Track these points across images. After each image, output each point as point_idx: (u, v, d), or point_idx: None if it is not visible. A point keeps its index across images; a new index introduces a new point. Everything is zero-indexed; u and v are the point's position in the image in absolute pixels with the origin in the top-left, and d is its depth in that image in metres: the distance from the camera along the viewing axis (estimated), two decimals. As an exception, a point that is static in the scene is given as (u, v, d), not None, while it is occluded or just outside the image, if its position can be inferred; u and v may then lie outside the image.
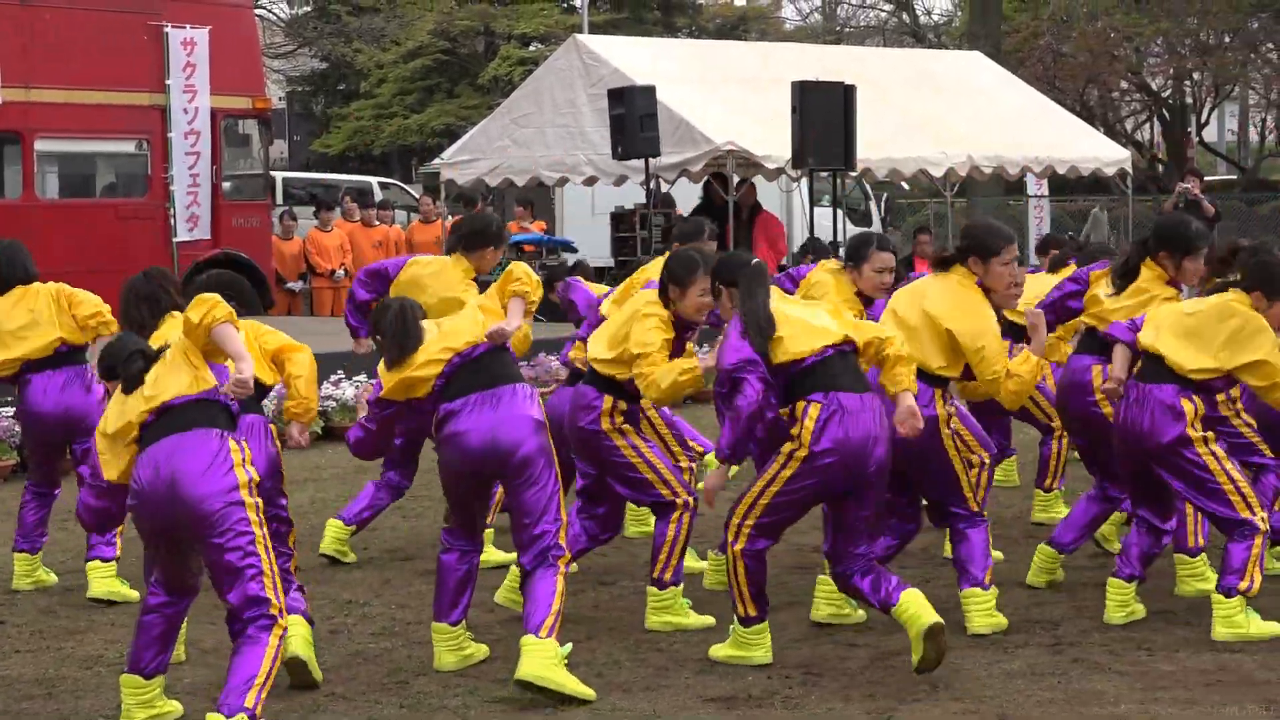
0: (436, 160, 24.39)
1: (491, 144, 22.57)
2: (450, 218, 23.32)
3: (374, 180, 35.24)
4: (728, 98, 21.25)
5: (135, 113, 20.57)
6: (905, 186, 28.60)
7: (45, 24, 19.85)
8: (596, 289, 11.19)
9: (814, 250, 17.56)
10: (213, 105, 20.82)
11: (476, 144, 23.04)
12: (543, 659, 7.60)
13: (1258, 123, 64.29)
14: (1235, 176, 56.09)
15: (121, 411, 6.86)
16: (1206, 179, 50.44)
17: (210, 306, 6.78)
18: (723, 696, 7.59)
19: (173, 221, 20.18)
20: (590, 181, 22.20)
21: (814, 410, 7.59)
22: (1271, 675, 7.78)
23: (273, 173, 26.34)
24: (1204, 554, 9.26)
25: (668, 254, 9.79)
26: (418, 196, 29.08)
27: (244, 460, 6.81)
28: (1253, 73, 53.00)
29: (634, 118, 18.87)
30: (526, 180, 22.57)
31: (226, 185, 21.10)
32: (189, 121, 20.60)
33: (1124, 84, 52.59)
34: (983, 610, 8.45)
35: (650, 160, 19.41)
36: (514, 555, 8.55)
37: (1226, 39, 50.26)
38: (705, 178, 20.90)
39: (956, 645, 8.02)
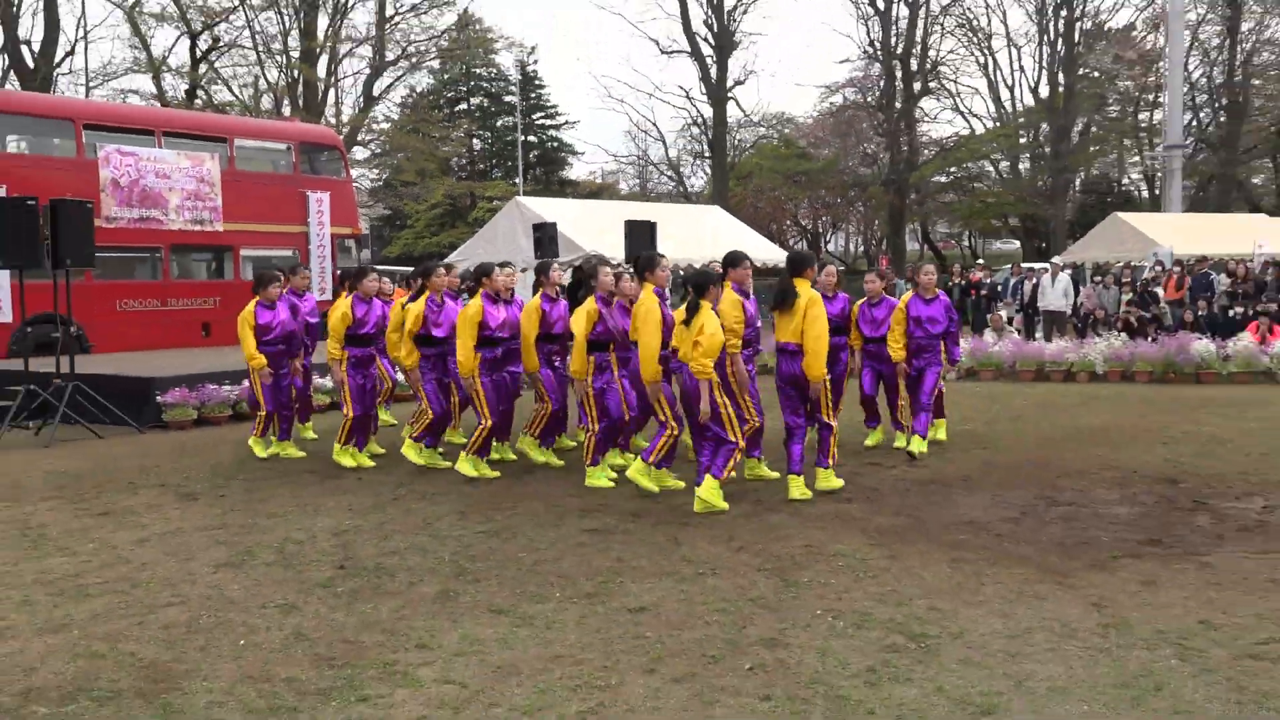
0: (446, 259, 24.21)
1: (473, 251, 22.42)
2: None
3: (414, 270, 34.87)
4: (594, 226, 21.31)
5: (292, 236, 20.37)
6: (682, 272, 28.72)
7: (246, 187, 19.65)
8: None
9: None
10: (331, 232, 20.68)
11: (465, 251, 22.88)
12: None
13: (854, 241, 65.48)
14: (843, 268, 57.01)
15: None
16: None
17: None
18: (592, 528, 7.10)
19: (314, 294, 19.96)
20: (524, 270, 22.23)
21: None
22: (862, 516, 7.60)
23: (362, 266, 26.07)
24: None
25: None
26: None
27: None
28: (851, 216, 53.96)
29: (546, 238, 18.88)
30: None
31: (339, 273, 20.94)
32: (320, 240, 20.43)
33: (788, 221, 53.38)
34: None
35: (554, 258, 19.46)
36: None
37: (839, 200, 51.05)
38: (570, 267, 20.94)
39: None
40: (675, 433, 7.91)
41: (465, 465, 8.82)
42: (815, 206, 52.84)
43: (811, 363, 7.60)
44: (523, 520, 7.43)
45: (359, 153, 45.52)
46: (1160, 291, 20.70)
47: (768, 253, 24.90)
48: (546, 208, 22.18)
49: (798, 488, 7.85)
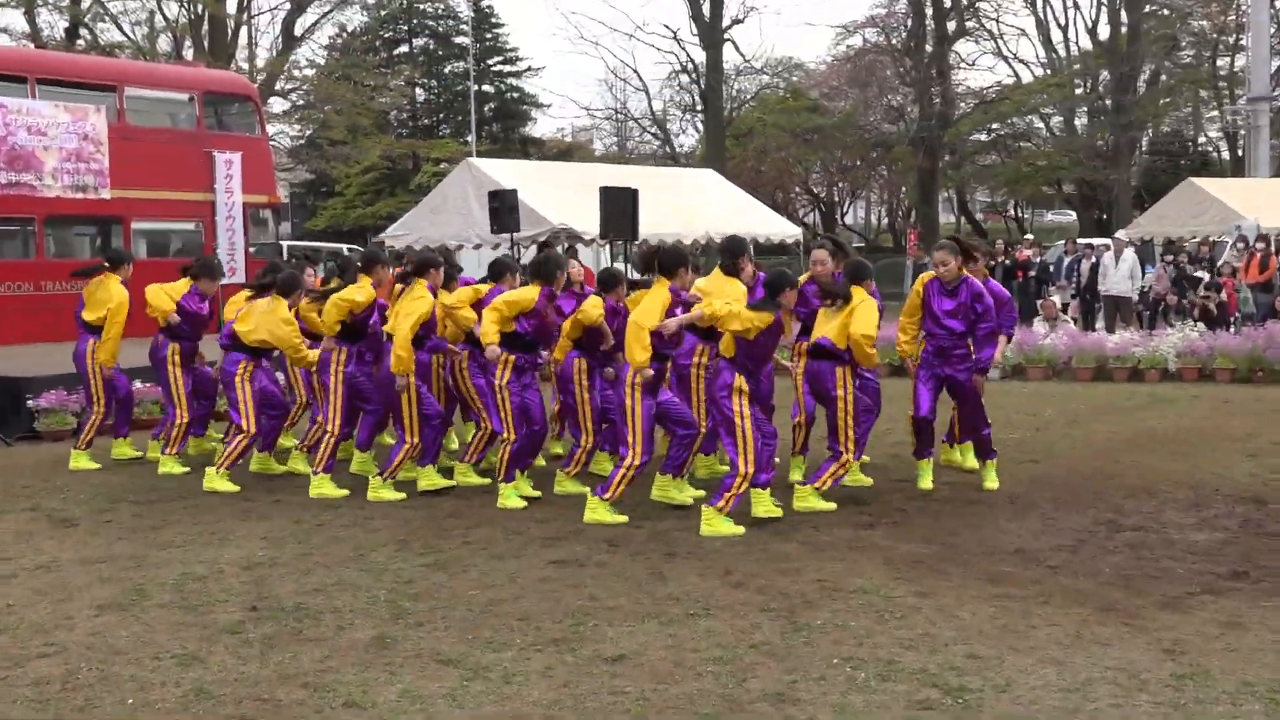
0: (383, 234, 24.19)
1: (416, 223, 22.39)
2: (390, 269, 23.44)
3: (344, 246, 34.85)
4: (562, 196, 21.24)
5: (195, 205, 20.30)
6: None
7: (139, 146, 19.56)
8: None
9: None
10: (243, 200, 20.61)
11: (407, 223, 22.82)
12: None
13: (876, 212, 65.69)
14: (863, 244, 57.26)
15: None
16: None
17: None
18: (559, 560, 7.10)
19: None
20: (477, 247, 22.21)
21: None
22: (887, 543, 7.56)
23: (280, 241, 26.20)
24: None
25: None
26: (372, 256, 29.10)
27: None
28: (873, 182, 54.21)
29: (504, 208, 18.84)
30: (438, 246, 22.51)
31: (252, 249, 20.86)
32: (228, 211, 20.36)
33: (797, 189, 53.54)
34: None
35: (514, 234, 19.43)
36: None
37: (858, 162, 51.24)
38: (533, 243, 20.88)
39: (697, 526, 7.72)
40: (635, 464, 8.07)
41: (508, 496, 8.64)
42: (830, 170, 52.99)
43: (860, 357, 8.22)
44: (475, 550, 7.41)
45: (277, 105, 45.45)
46: (1238, 271, 20.80)
47: (772, 226, 24.96)
48: (505, 171, 22.13)
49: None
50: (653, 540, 7.59)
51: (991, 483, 9.04)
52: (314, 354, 9.64)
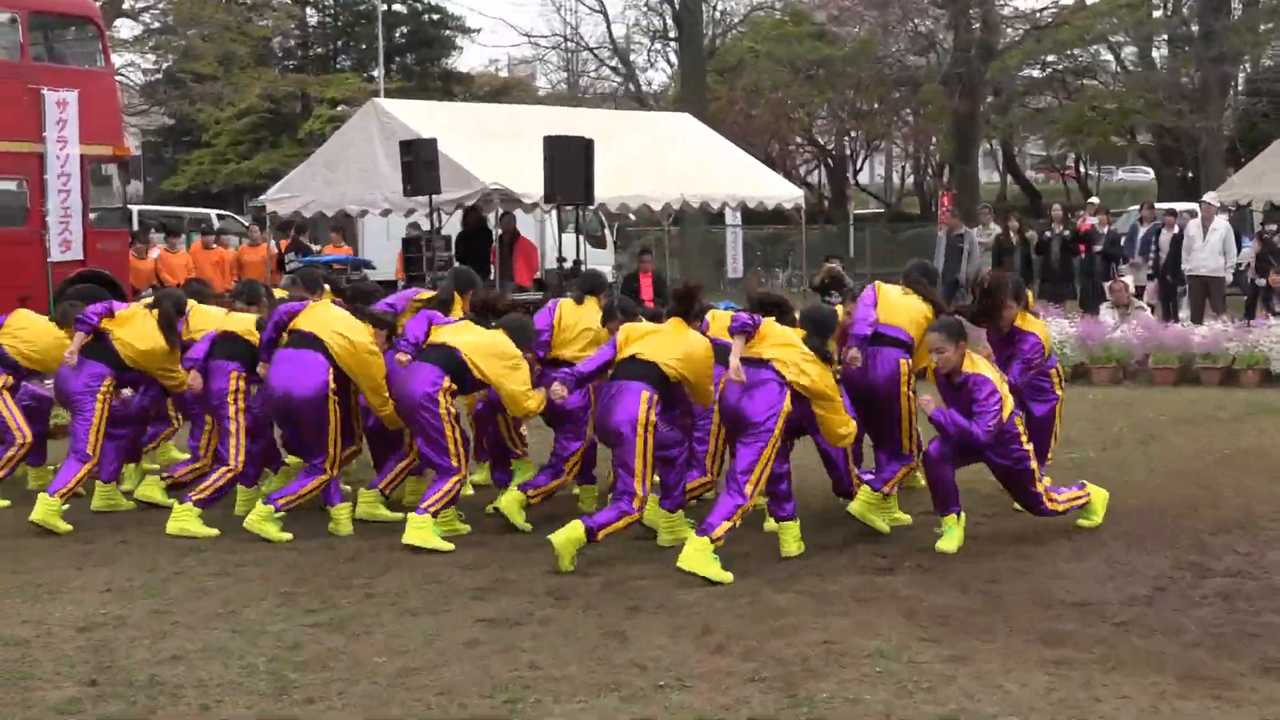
0: (262, 197, 24.07)
1: (306, 184, 22.31)
2: (273, 242, 23.46)
3: (213, 212, 34.70)
4: (494, 148, 21.17)
5: (17, 158, 20.13)
6: (632, 217, 28.74)
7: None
8: None
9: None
10: (81, 152, 20.47)
11: (294, 184, 22.74)
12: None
13: (899, 169, 65.93)
14: (882, 210, 57.41)
15: None
16: (858, 213, 51.63)
17: None
18: (490, 618, 7.07)
19: (48, 245, 19.84)
20: (386, 213, 22.18)
21: None
22: (910, 592, 7.44)
23: (130, 206, 26.01)
24: None
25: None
26: (247, 225, 28.94)
27: None
28: (895, 131, 54.35)
29: (420, 163, 18.78)
30: (335, 212, 22.50)
31: (93, 216, 20.72)
32: (61, 166, 20.21)
33: (798, 139, 53.66)
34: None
35: (433, 196, 19.38)
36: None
37: (876, 105, 51.35)
38: (458, 208, 20.81)
39: (668, 574, 7.78)
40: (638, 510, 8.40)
41: (426, 530, 8.89)
42: (840, 115, 53.07)
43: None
44: (382, 605, 7.39)
45: (125, 28, 45.11)
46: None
47: (767, 187, 24.99)
48: (422, 116, 22.06)
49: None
50: (610, 591, 7.58)
51: (948, 542, 8.71)
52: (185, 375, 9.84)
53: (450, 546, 8.74)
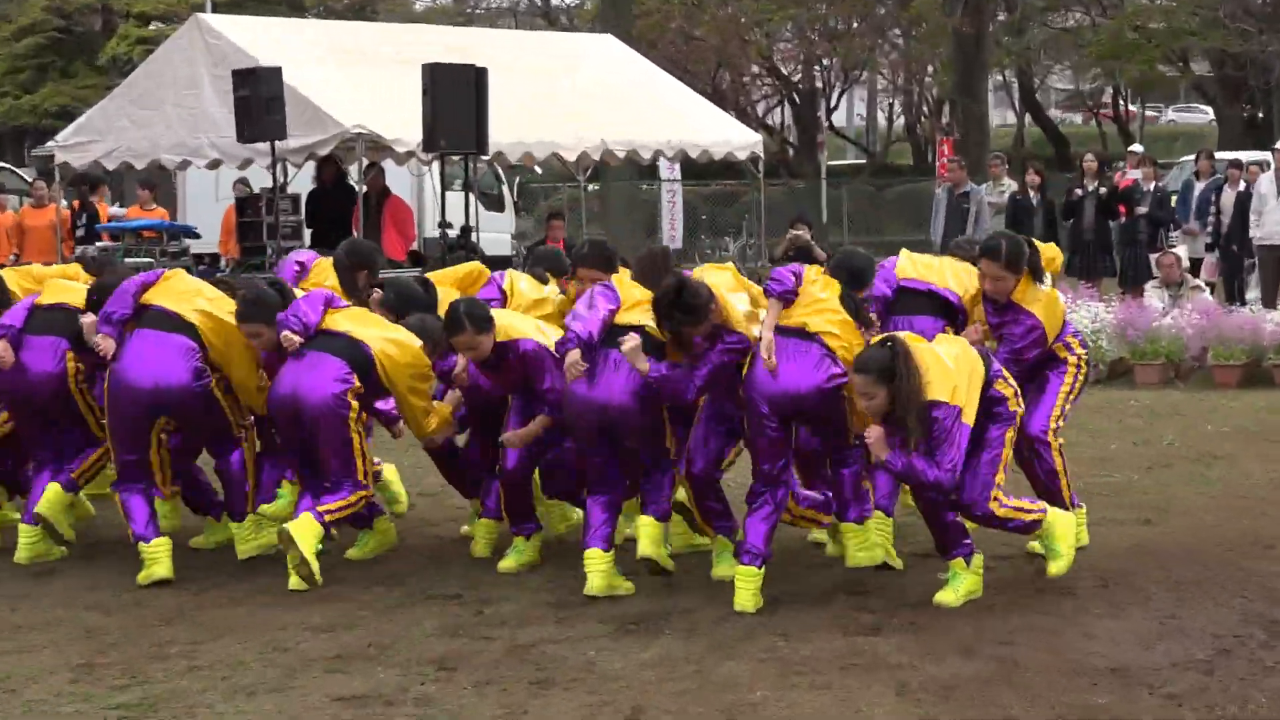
0: (50, 143, 23.77)
1: (109, 125, 22.18)
2: (65, 202, 23.01)
3: (-12, 163, 34.49)
4: (357, 80, 21.15)
5: None
6: (538, 170, 28.78)
7: None
8: None
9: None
10: None
11: (93, 125, 22.61)
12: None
13: (885, 107, 66.05)
14: (864, 161, 57.49)
15: None
16: (833, 164, 51.77)
17: None
18: (354, 695, 7.03)
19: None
20: (214, 165, 21.98)
21: None
22: (903, 658, 7.40)
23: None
24: None
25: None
26: (30, 180, 28.52)
27: None
28: (880, 58, 54.34)
29: (259, 100, 18.71)
30: (147, 164, 22.29)
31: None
32: None
33: (755, 68, 53.66)
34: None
35: (276, 144, 19.28)
36: None
37: (855, 24, 51.41)
38: (308, 158, 20.67)
39: (590, 634, 7.79)
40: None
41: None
42: (808, 37, 53.20)
43: None
44: (210, 679, 7.34)
45: None
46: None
47: (714, 131, 24.99)
48: (261, 38, 21.98)
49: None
50: (513, 657, 7.56)
51: (950, 593, 8.70)
52: None
53: (315, 566, 8.73)
